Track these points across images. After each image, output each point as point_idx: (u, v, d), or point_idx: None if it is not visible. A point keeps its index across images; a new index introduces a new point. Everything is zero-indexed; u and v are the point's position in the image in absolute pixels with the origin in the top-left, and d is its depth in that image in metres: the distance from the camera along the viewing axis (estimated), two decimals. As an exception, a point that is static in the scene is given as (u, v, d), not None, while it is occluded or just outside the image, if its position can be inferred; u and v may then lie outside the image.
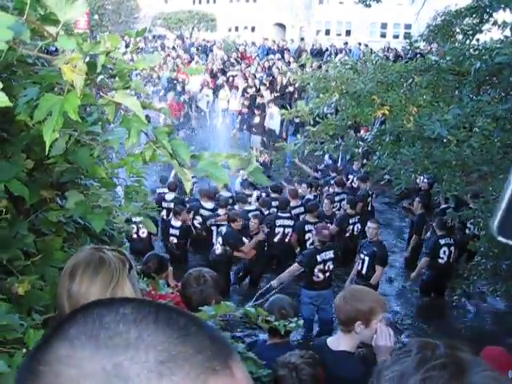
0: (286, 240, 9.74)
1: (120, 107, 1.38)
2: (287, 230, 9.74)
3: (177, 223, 9.44)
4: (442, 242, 8.84)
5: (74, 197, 1.73)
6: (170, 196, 10.49)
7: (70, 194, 1.74)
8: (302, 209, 10.58)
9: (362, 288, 3.52)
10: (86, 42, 1.20)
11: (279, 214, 9.94)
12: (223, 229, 8.86)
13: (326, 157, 13.75)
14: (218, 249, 8.67)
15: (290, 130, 17.10)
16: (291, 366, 2.95)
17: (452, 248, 8.91)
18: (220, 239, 8.70)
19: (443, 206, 10.42)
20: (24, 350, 1.34)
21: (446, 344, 0.98)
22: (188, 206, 10.15)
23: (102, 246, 1.94)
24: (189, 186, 1.46)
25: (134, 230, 8.85)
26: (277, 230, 9.68)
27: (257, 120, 17.09)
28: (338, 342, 3.30)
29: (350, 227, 10.24)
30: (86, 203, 1.74)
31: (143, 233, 9.18)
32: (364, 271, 8.28)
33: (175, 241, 9.43)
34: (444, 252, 8.82)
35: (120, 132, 1.43)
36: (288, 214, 9.91)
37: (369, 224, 8.49)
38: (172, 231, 9.45)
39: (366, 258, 8.24)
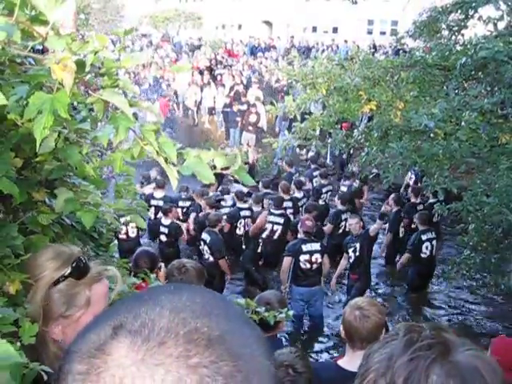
0: (275, 237, 9.74)
1: (108, 105, 1.40)
2: (276, 227, 9.75)
3: (166, 221, 9.42)
4: (424, 237, 8.91)
5: (63, 194, 1.74)
6: (159, 194, 10.45)
7: (59, 191, 1.75)
8: (290, 203, 10.69)
9: (369, 301, 3.52)
10: (75, 41, 1.23)
11: (271, 210, 9.94)
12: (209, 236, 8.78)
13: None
14: (208, 258, 8.57)
15: (284, 125, 17.12)
16: (286, 364, 2.98)
17: (434, 242, 9.01)
18: (207, 247, 8.65)
19: (431, 200, 10.48)
20: (18, 344, 1.36)
21: (432, 327, 1.01)
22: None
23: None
24: (175, 184, 1.48)
25: (124, 230, 8.90)
26: (266, 225, 9.69)
27: (245, 117, 17.10)
28: (358, 362, 3.15)
29: (343, 223, 10.29)
30: (76, 200, 1.75)
31: (132, 233, 9.16)
32: (354, 264, 8.39)
33: (165, 239, 9.42)
34: (426, 247, 8.90)
35: (108, 129, 1.45)
36: (280, 211, 9.92)
37: (350, 220, 8.57)
38: (162, 229, 9.44)
39: (352, 255, 8.35)
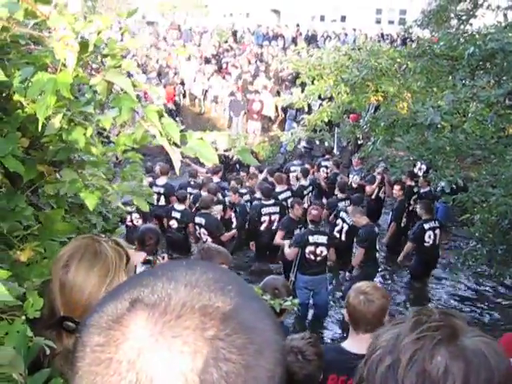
0: (273, 227, 9.61)
1: (112, 87, 1.40)
2: (274, 217, 9.68)
3: (180, 207, 9.39)
4: (427, 226, 8.89)
5: (68, 175, 1.75)
6: (161, 181, 10.38)
7: (64, 172, 1.76)
8: (288, 193, 10.66)
9: (373, 285, 3.53)
10: (78, 21, 1.23)
11: (263, 202, 9.89)
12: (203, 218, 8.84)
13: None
14: (206, 241, 8.50)
15: (291, 114, 17.00)
16: (296, 349, 2.98)
17: (437, 231, 8.98)
18: (203, 230, 8.66)
19: (423, 190, 10.51)
20: (23, 318, 1.38)
21: (441, 311, 1.02)
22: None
23: (99, 235, 1.92)
24: (178, 165, 1.48)
25: (128, 218, 8.92)
26: (262, 218, 9.68)
27: (251, 106, 17.07)
28: (361, 344, 3.03)
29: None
30: (80, 181, 1.76)
31: (137, 221, 9.17)
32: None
33: (176, 225, 9.40)
34: (429, 236, 8.87)
35: (112, 113, 1.45)
36: (272, 201, 9.87)
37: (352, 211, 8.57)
38: (174, 214, 9.38)
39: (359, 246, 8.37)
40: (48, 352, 1.31)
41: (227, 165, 13.90)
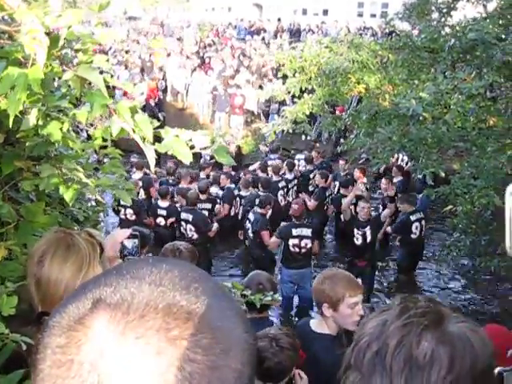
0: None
1: (86, 82, 1.39)
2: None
3: (164, 204, 9.32)
4: (413, 218, 8.94)
5: (46, 170, 1.73)
6: (137, 175, 10.26)
7: (42, 167, 1.74)
8: (283, 183, 10.83)
9: (337, 272, 3.58)
10: (48, 15, 1.21)
11: (241, 193, 9.96)
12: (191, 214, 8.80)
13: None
14: (192, 237, 8.54)
15: (274, 108, 16.94)
16: (271, 335, 3.01)
17: (423, 222, 9.07)
18: (190, 226, 8.64)
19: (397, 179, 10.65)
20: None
21: (427, 299, 1.03)
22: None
23: (71, 228, 1.92)
24: (153, 163, 1.47)
25: (122, 211, 9.07)
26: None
27: (233, 100, 17.02)
28: (320, 324, 3.49)
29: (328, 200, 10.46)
30: (58, 176, 1.74)
31: (131, 216, 9.14)
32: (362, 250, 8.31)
33: (163, 222, 9.33)
34: (416, 227, 8.93)
35: (87, 107, 1.43)
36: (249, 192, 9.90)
37: (362, 204, 8.50)
38: (160, 212, 9.30)
39: (368, 232, 8.29)
40: (24, 348, 1.29)
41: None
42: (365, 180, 10.85)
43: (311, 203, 10.26)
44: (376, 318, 1.02)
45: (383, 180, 10.47)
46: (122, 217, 9.19)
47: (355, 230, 8.25)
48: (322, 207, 10.52)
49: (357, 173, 10.80)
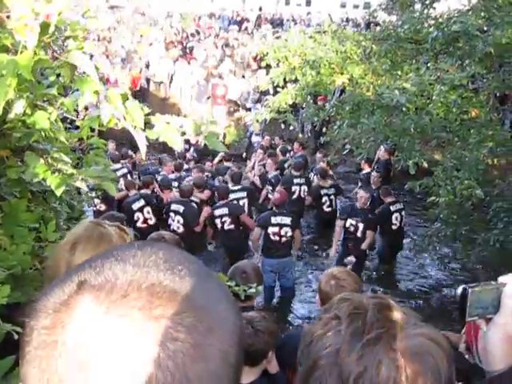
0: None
1: (76, 70, 1.37)
2: (242, 202, 9.62)
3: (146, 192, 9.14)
4: (393, 208, 9.01)
5: (33, 160, 1.72)
6: (118, 166, 10.12)
7: (29, 158, 1.72)
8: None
9: (345, 270, 3.56)
10: (38, 1, 1.20)
11: (231, 188, 9.82)
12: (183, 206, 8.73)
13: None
14: (178, 229, 8.49)
15: (254, 98, 16.90)
16: (248, 318, 2.99)
17: (403, 212, 9.15)
18: (179, 217, 8.60)
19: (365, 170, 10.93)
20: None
21: (376, 306, 1.00)
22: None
23: (102, 220, 1.94)
24: (144, 150, 1.47)
25: (141, 218, 8.71)
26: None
27: (215, 91, 16.95)
28: None
29: (297, 188, 10.34)
30: (45, 166, 1.72)
31: (151, 219, 8.90)
32: (359, 235, 8.41)
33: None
34: (396, 218, 9.01)
35: (75, 95, 1.42)
36: (240, 186, 9.76)
37: (361, 193, 8.55)
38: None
39: (360, 225, 8.38)
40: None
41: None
42: (368, 170, 11.06)
43: (307, 199, 10.43)
44: (325, 340, 0.98)
45: (373, 173, 10.60)
46: (142, 225, 8.70)
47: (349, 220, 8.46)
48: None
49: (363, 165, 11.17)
